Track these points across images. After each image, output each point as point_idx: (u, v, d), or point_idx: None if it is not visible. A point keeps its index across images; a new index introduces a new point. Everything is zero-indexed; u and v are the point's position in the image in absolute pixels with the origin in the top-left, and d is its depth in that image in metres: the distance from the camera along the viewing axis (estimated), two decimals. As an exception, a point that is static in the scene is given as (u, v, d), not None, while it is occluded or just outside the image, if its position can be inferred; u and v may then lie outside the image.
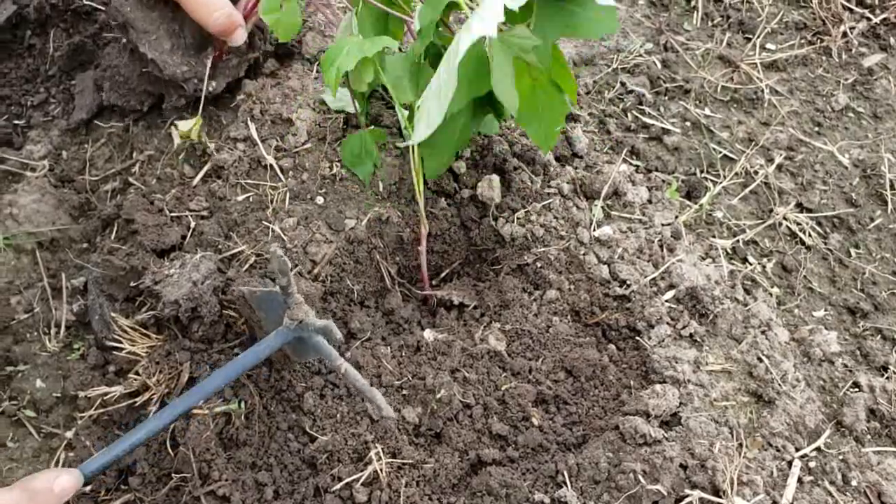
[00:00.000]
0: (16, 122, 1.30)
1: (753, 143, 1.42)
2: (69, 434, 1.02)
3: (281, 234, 1.10)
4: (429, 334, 1.08)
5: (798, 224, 1.32)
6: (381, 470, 0.93)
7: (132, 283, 1.08)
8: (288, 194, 1.16)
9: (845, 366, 1.17)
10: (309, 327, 0.93)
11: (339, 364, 0.91)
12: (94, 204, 1.21)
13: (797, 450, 1.05)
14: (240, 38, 1.11)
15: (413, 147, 1.01)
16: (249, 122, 1.22)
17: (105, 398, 1.03)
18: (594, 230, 1.21)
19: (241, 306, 1.02)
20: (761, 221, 1.32)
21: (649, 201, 1.29)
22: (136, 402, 1.02)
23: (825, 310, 1.24)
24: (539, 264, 1.16)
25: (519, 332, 1.09)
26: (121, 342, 1.04)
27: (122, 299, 1.09)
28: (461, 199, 1.22)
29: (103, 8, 1.39)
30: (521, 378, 1.04)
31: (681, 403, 1.04)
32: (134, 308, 1.08)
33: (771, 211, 1.33)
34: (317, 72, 1.30)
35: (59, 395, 1.06)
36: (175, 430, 0.98)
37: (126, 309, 1.08)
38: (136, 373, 1.03)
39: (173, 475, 0.96)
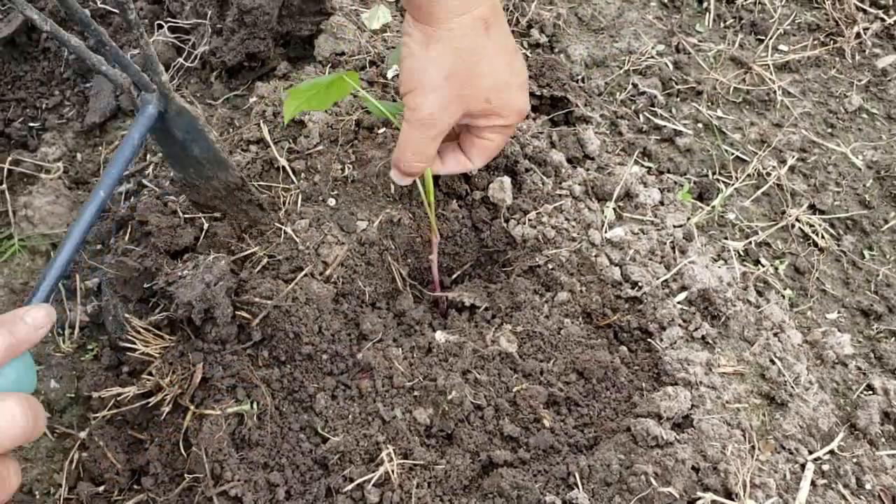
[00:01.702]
0: (31, 124, 1.31)
1: (766, 145, 1.42)
2: (83, 434, 1.03)
3: (293, 235, 1.11)
4: (440, 336, 1.08)
5: (811, 226, 1.31)
6: (392, 471, 0.94)
7: (146, 285, 1.09)
8: (300, 196, 1.16)
9: (859, 368, 1.16)
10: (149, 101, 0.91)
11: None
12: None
13: (810, 452, 1.04)
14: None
15: None
16: (262, 125, 1.23)
17: (118, 399, 1.03)
18: (606, 232, 1.21)
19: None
20: (774, 223, 1.32)
21: (661, 203, 1.28)
22: (149, 403, 1.03)
23: (838, 312, 1.24)
24: (550, 266, 1.16)
25: (530, 333, 1.09)
26: (134, 343, 1.05)
27: (136, 300, 1.10)
28: (472, 200, 1.22)
29: (117, 11, 1.40)
30: (533, 380, 1.04)
31: (693, 405, 1.04)
32: (147, 309, 1.09)
33: (783, 212, 1.33)
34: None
35: (72, 395, 1.07)
36: (188, 431, 0.99)
37: (139, 310, 1.09)
38: (150, 373, 1.03)
39: (186, 475, 0.96)
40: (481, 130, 1.06)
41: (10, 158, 1.24)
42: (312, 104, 1.05)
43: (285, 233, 1.11)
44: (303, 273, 1.08)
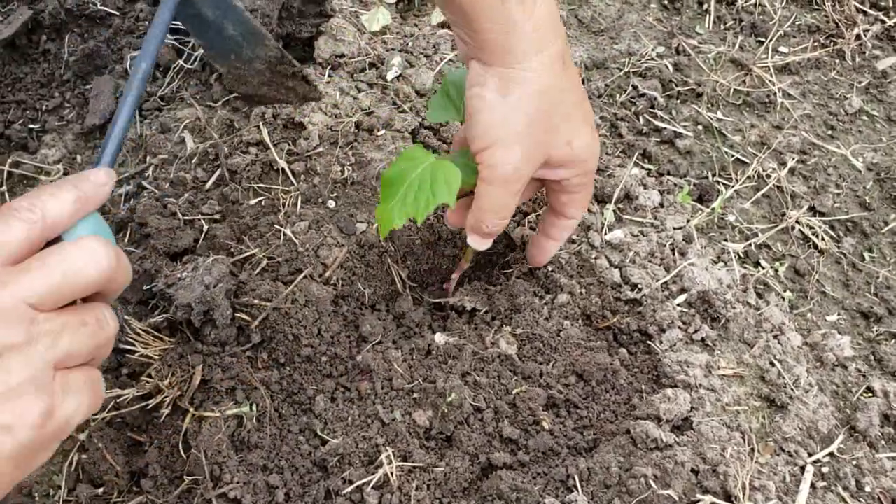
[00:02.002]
0: (31, 126, 1.31)
1: (766, 147, 1.41)
2: (82, 436, 1.03)
3: (292, 237, 1.11)
4: (440, 338, 1.08)
5: (811, 228, 1.31)
6: (391, 473, 0.94)
7: (145, 287, 1.09)
8: (300, 198, 1.16)
9: (858, 370, 1.16)
10: None
11: None
12: (107, 207, 1.22)
13: (810, 455, 1.04)
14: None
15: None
16: (262, 126, 1.23)
17: (118, 400, 1.03)
18: (605, 234, 1.21)
19: None
20: (774, 225, 1.32)
21: (661, 205, 1.28)
22: (148, 405, 1.03)
23: (838, 314, 1.23)
24: (550, 268, 1.16)
25: (530, 336, 1.09)
26: (134, 345, 1.05)
27: (136, 302, 1.10)
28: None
29: (117, 13, 1.40)
30: (532, 382, 1.04)
31: (692, 408, 1.04)
32: (147, 311, 1.09)
33: (783, 215, 1.33)
34: (328, 76, 1.31)
35: (72, 397, 1.07)
36: (187, 433, 0.99)
37: (139, 312, 1.09)
38: (149, 375, 1.04)
39: (185, 477, 0.96)
40: (565, 186, 0.99)
41: (10, 160, 1.24)
42: (414, 210, 0.91)
43: (284, 234, 1.11)
44: (302, 275, 1.08)
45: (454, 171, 0.89)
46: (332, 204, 1.16)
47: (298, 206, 1.15)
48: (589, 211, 1.23)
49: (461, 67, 0.98)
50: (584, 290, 1.15)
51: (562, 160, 0.94)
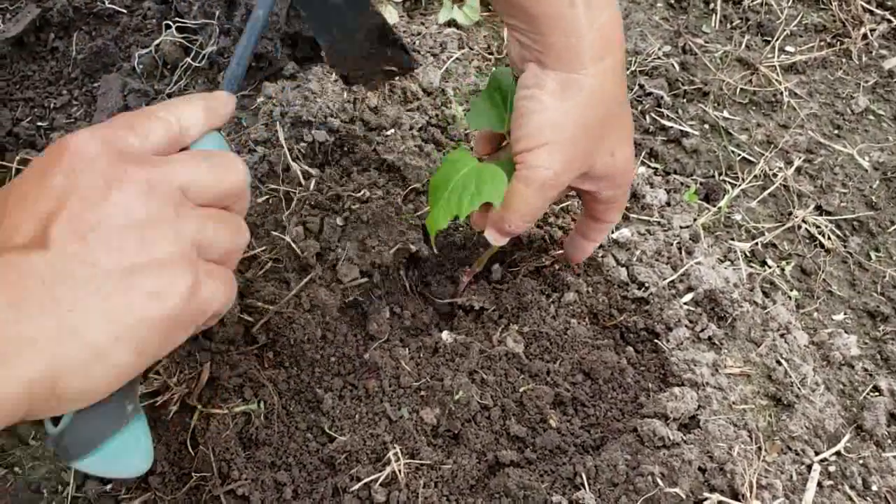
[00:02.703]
0: (39, 123, 1.32)
1: (772, 146, 1.42)
2: (91, 433, 1.03)
3: (296, 239, 1.11)
4: (447, 336, 1.08)
5: (817, 227, 1.31)
6: (399, 471, 0.94)
7: (153, 284, 1.09)
8: (306, 200, 1.16)
9: (865, 370, 1.16)
10: None
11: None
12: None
13: (817, 454, 1.04)
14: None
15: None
16: (270, 125, 1.23)
17: (126, 397, 1.04)
18: (612, 232, 1.21)
19: None
20: (780, 224, 1.32)
21: (668, 204, 1.29)
22: (156, 402, 1.03)
23: (845, 313, 1.24)
24: (557, 267, 1.16)
25: (537, 334, 1.09)
26: (142, 342, 1.05)
27: (143, 299, 1.10)
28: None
29: (125, 11, 1.40)
30: (539, 380, 1.05)
31: (699, 406, 1.04)
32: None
33: (790, 214, 1.33)
34: (335, 77, 1.31)
35: (80, 394, 1.07)
36: (195, 430, 0.99)
37: (147, 309, 1.09)
38: (157, 372, 1.04)
39: (193, 474, 0.97)
40: (599, 197, 0.98)
41: (18, 158, 1.24)
42: (457, 208, 0.90)
43: (291, 235, 1.11)
44: (308, 277, 1.08)
45: (500, 172, 0.89)
46: (340, 209, 1.17)
47: (306, 207, 1.15)
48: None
49: (506, 69, 0.96)
50: (591, 289, 1.15)
51: (603, 171, 0.92)
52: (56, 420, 0.67)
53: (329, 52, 1.07)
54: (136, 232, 0.63)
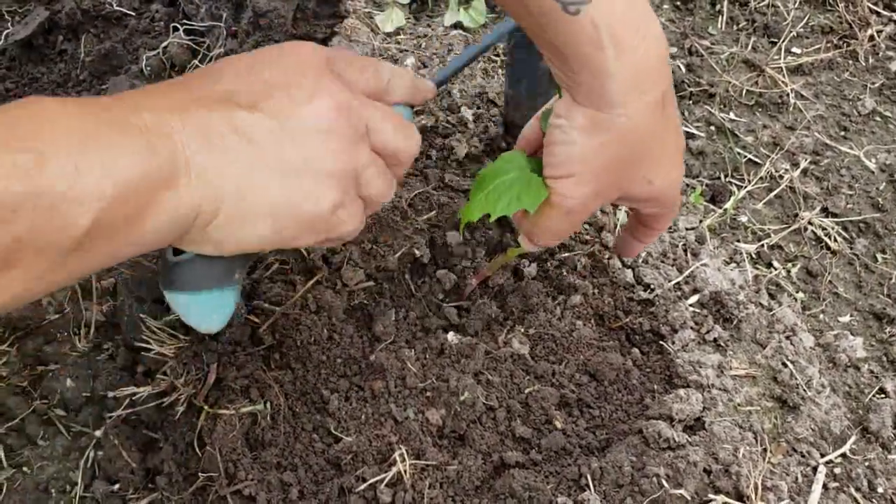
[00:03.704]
0: (47, 126, 1.32)
1: (778, 148, 1.41)
2: (98, 433, 1.04)
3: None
4: (452, 337, 1.08)
5: (823, 229, 1.31)
6: (405, 471, 0.94)
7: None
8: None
9: (871, 371, 1.16)
10: None
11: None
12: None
13: (822, 456, 1.04)
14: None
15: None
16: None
17: (133, 398, 1.04)
18: (619, 234, 1.21)
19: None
20: (786, 226, 1.32)
21: (673, 205, 1.29)
22: (163, 403, 1.03)
23: (851, 315, 1.23)
24: (563, 269, 1.17)
25: (542, 335, 1.09)
26: (149, 343, 1.06)
27: (151, 300, 1.11)
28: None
29: (133, 13, 1.41)
30: (545, 381, 1.05)
31: (704, 408, 1.04)
32: (162, 309, 1.10)
33: (796, 215, 1.33)
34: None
35: (88, 394, 1.08)
36: (202, 431, 1.00)
37: (154, 310, 1.10)
38: (164, 373, 1.04)
39: (200, 475, 0.97)
40: (643, 213, 0.96)
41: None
42: (493, 207, 0.90)
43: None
44: (314, 279, 1.08)
45: (543, 189, 0.88)
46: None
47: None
48: (602, 211, 1.23)
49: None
50: (596, 291, 1.15)
51: (639, 197, 0.90)
52: (177, 252, 0.77)
53: (508, 98, 1.14)
54: (320, 137, 0.72)
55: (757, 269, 1.24)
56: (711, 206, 1.31)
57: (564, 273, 1.16)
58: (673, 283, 1.17)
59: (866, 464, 1.05)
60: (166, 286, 0.80)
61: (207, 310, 0.82)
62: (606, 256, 1.18)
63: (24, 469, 1.01)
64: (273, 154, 0.71)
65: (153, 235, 0.66)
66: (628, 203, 0.94)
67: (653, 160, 0.86)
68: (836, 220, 1.33)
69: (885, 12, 1.63)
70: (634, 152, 0.84)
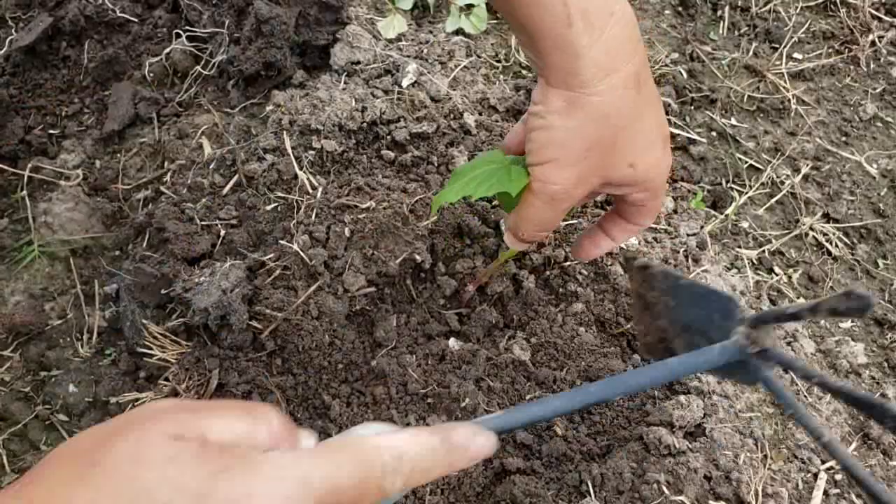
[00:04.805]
0: (51, 131, 1.33)
1: (780, 153, 1.42)
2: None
3: (305, 247, 1.12)
4: (453, 343, 1.09)
5: (825, 234, 1.31)
6: (406, 477, 0.94)
7: (163, 291, 1.10)
8: (315, 209, 1.17)
9: (872, 377, 1.16)
10: (771, 359, 0.75)
11: (822, 434, 0.71)
12: (126, 212, 1.24)
13: (823, 462, 1.04)
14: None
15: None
16: (278, 133, 1.24)
17: (136, 403, 1.05)
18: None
19: (642, 279, 0.91)
20: (787, 232, 1.32)
21: (675, 211, 1.29)
22: (166, 408, 1.04)
23: (852, 321, 1.23)
24: (565, 275, 1.17)
25: (544, 342, 1.09)
26: (151, 348, 1.06)
27: (153, 306, 1.11)
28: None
29: (136, 20, 1.42)
30: (546, 388, 1.05)
31: (705, 414, 1.04)
32: (164, 315, 1.10)
33: (797, 221, 1.33)
34: (344, 83, 1.32)
35: (90, 399, 1.08)
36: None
37: (157, 316, 1.11)
38: (167, 379, 1.05)
39: (202, 480, 0.97)
40: (628, 201, 0.93)
41: (30, 165, 1.25)
42: (473, 191, 0.91)
43: (298, 244, 1.12)
44: (316, 285, 1.09)
45: (525, 175, 0.89)
46: (347, 219, 1.17)
47: (314, 216, 1.16)
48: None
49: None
50: (598, 297, 1.15)
51: (622, 181, 0.89)
52: None
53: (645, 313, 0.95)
54: None
55: (758, 274, 1.24)
56: (713, 212, 1.31)
57: (566, 280, 1.16)
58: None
59: (867, 470, 1.05)
60: None
61: None
62: (608, 263, 1.19)
63: (27, 474, 1.01)
64: None
65: None
66: (612, 190, 0.92)
67: (633, 142, 0.85)
68: (837, 225, 1.33)
69: (886, 18, 1.64)
70: (612, 133, 0.83)
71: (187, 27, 1.39)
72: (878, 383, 1.15)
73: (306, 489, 0.52)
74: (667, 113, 1.43)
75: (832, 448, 0.69)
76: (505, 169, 0.90)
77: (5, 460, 1.02)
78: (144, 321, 1.08)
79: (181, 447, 0.51)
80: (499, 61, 1.46)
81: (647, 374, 0.76)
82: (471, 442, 0.65)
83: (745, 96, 1.49)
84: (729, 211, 1.30)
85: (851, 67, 1.58)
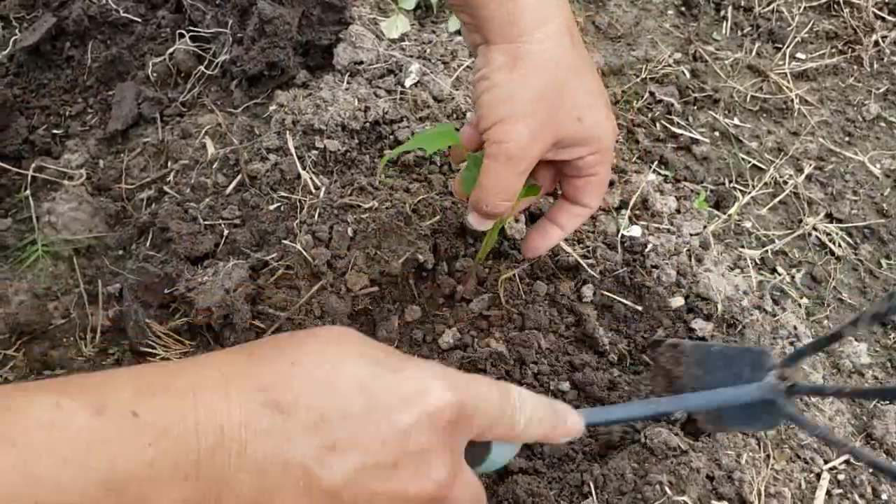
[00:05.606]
0: (54, 131, 1.33)
1: (783, 153, 1.41)
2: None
3: (308, 246, 1.12)
4: (455, 341, 1.08)
5: (828, 234, 1.31)
6: (408, 477, 0.94)
7: (166, 290, 1.10)
8: (318, 209, 1.17)
9: (875, 378, 1.16)
10: (799, 392, 0.85)
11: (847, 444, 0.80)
12: (129, 212, 1.24)
13: (826, 462, 1.04)
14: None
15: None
16: (281, 133, 1.24)
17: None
18: (620, 234, 1.21)
19: (672, 357, 0.95)
20: (790, 231, 1.32)
21: (678, 211, 1.29)
22: (169, 407, 1.04)
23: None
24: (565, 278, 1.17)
25: (545, 340, 1.09)
26: (155, 348, 1.06)
27: (157, 306, 1.11)
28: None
29: (139, 20, 1.42)
30: (547, 387, 1.05)
31: (708, 414, 1.04)
32: (168, 314, 1.10)
33: (800, 221, 1.33)
34: (347, 83, 1.32)
35: (94, 399, 1.08)
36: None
37: (160, 315, 1.11)
38: (170, 378, 1.05)
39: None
40: (579, 167, 0.94)
41: (34, 165, 1.26)
42: (426, 145, 0.97)
43: (301, 244, 1.12)
44: (318, 284, 1.09)
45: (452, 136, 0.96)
46: (350, 218, 1.17)
47: (316, 216, 1.16)
48: (605, 215, 1.23)
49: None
50: (602, 297, 1.15)
51: (573, 138, 0.90)
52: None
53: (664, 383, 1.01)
54: None
55: (761, 274, 1.24)
56: (716, 212, 1.31)
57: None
58: (677, 288, 1.17)
59: (870, 470, 1.05)
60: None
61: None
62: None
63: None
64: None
65: None
66: (564, 153, 0.92)
67: (577, 96, 0.88)
68: (840, 225, 1.33)
69: (889, 18, 1.63)
70: (556, 84, 0.86)
71: (191, 27, 1.40)
72: (881, 383, 1.15)
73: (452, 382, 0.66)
74: (670, 113, 1.43)
75: (859, 454, 0.80)
76: (450, 133, 0.96)
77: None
78: (148, 321, 1.08)
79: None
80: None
81: (703, 397, 0.88)
82: (568, 413, 0.77)
83: (749, 96, 1.49)
84: (732, 211, 1.30)
85: (855, 67, 1.58)
